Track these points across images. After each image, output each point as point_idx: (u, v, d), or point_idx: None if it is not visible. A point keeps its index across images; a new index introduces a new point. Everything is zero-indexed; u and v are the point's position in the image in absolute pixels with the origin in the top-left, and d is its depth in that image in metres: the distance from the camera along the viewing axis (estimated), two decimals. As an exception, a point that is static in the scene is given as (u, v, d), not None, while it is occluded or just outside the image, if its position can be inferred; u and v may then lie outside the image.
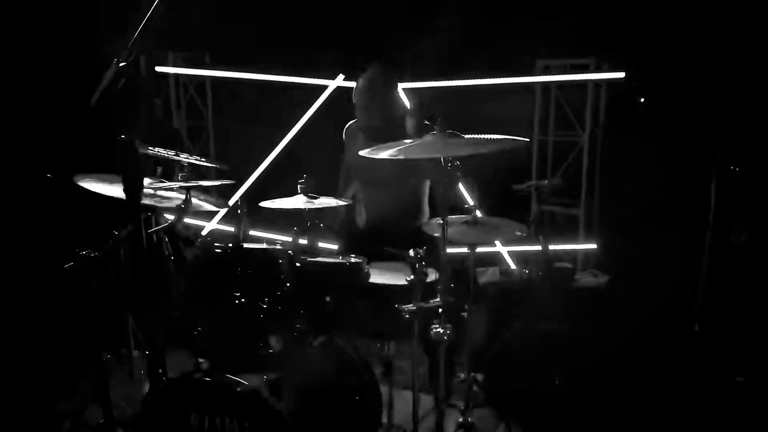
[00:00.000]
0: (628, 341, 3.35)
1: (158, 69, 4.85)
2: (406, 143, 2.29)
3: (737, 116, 3.48)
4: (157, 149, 2.50)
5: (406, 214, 3.02)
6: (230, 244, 2.38)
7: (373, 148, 2.28)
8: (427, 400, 2.73)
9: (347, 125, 3.12)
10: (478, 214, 2.63)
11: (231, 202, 2.88)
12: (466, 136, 2.24)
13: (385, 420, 2.60)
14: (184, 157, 2.52)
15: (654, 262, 3.92)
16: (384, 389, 2.57)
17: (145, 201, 2.42)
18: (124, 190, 1.74)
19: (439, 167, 2.25)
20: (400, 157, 2.22)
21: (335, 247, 3.09)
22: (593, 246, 4.38)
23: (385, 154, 2.23)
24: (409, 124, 2.93)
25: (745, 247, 3.54)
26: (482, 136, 2.24)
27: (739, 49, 3.63)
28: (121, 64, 1.68)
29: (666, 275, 3.76)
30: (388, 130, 2.78)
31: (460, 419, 2.66)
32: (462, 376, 2.78)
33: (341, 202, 2.63)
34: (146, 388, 2.64)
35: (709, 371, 3.11)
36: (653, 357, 3.35)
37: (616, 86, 4.31)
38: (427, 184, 3.07)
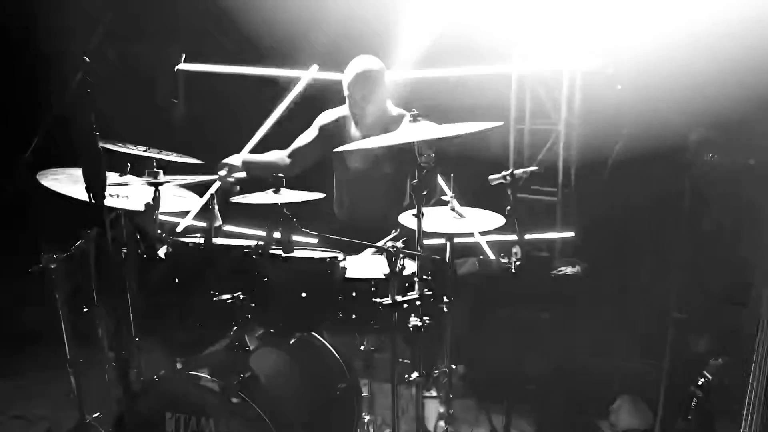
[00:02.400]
0: (607, 329, 3.37)
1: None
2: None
3: (714, 102, 3.50)
4: (126, 145, 2.45)
5: (389, 204, 3.00)
6: (203, 240, 2.33)
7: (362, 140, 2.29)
8: (407, 393, 2.71)
9: (329, 110, 3.09)
10: (456, 204, 2.61)
11: (204, 198, 2.82)
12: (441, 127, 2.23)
13: (365, 413, 2.59)
14: (154, 153, 2.47)
15: (631, 250, 3.95)
16: (364, 382, 2.56)
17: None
18: (87, 189, 1.68)
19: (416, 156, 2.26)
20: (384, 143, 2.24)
21: (312, 240, 3.05)
22: (571, 234, 4.39)
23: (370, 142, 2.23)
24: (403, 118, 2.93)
25: (720, 234, 3.57)
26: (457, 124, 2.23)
27: (718, 38, 3.65)
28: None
29: (644, 262, 3.80)
30: (380, 119, 2.88)
31: (441, 410, 2.65)
32: (443, 367, 2.77)
33: (314, 196, 2.59)
34: (121, 388, 2.59)
35: (688, 354, 3.14)
36: (631, 344, 3.38)
37: (593, 74, 4.32)
38: (408, 175, 3.05)
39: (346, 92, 2.95)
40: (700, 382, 2.44)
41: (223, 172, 2.85)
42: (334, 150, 2.54)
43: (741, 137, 3.46)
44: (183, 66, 4.65)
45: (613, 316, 3.42)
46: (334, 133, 3.00)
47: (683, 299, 3.27)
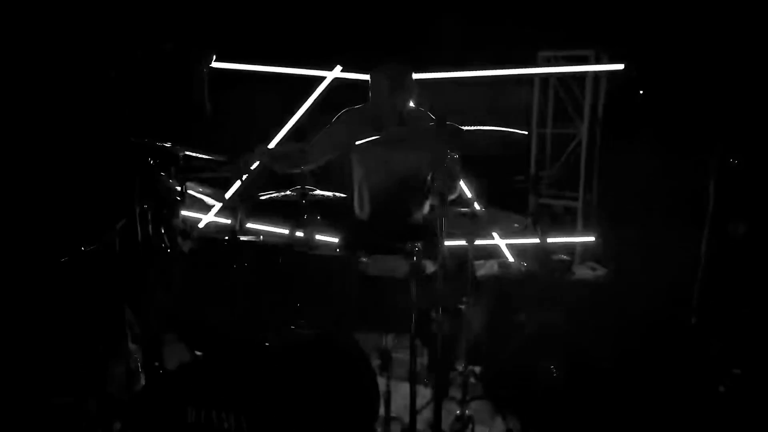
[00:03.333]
0: (626, 334, 3.35)
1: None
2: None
3: (737, 108, 3.47)
4: (153, 140, 2.49)
5: (410, 204, 3.02)
6: (227, 237, 2.37)
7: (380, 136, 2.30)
8: (424, 393, 2.72)
9: (351, 108, 3.11)
10: (477, 206, 2.62)
11: (228, 195, 2.86)
12: (465, 128, 2.23)
13: (382, 412, 2.60)
14: (179, 149, 2.51)
15: (652, 255, 3.92)
16: (382, 381, 2.57)
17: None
18: (116, 183, 1.72)
19: (443, 158, 2.28)
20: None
21: (334, 239, 3.08)
22: (591, 238, 4.37)
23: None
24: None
25: (742, 239, 3.53)
26: (480, 128, 2.24)
27: (739, 40, 3.61)
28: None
29: (664, 268, 3.76)
30: (403, 120, 2.89)
31: (458, 411, 2.65)
32: (460, 368, 2.78)
33: (337, 195, 2.62)
34: (143, 380, 2.64)
35: (706, 363, 3.11)
36: (651, 349, 3.35)
37: (615, 78, 4.30)
38: (429, 175, 3.06)
39: (371, 83, 2.97)
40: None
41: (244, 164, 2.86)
42: (357, 143, 2.55)
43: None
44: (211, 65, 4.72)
45: (632, 319, 3.39)
46: (352, 130, 3.01)
47: (702, 304, 3.25)
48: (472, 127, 2.22)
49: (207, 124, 3.88)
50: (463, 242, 2.66)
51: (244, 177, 2.82)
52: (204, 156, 2.63)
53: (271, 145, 3.67)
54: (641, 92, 4.45)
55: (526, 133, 2.26)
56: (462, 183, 3.04)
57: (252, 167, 2.84)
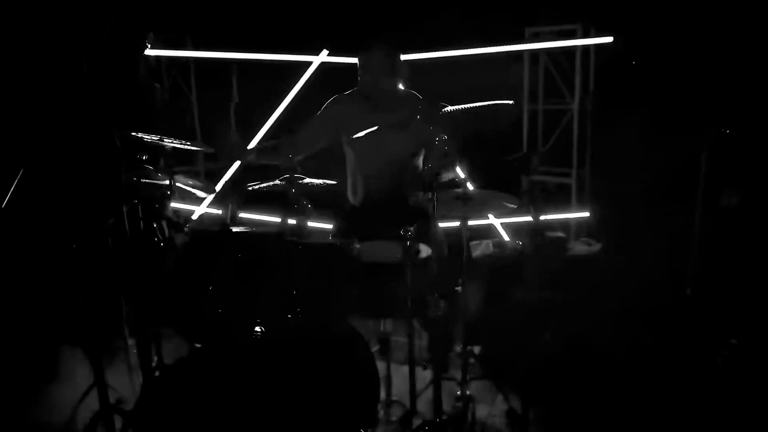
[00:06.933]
0: (622, 308, 3.36)
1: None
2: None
3: (728, 79, 3.45)
4: (140, 134, 2.46)
5: (404, 188, 3.00)
6: (219, 228, 2.35)
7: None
8: (424, 375, 2.74)
9: (339, 95, 3.08)
10: (470, 187, 2.60)
11: (218, 186, 2.84)
12: (453, 108, 2.22)
13: (383, 395, 2.61)
14: (168, 142, 2.48)
15: (646, 228, 3.92)
16: (381, 365, 2.58)
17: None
18: (105, 179, 1.70)
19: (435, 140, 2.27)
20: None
21: (327, 226, 3.07)
22: (586, 214, 4.37)
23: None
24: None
25: (735, 210, 3.54)
26: (468, 105, 2.22)
27: (730, 9, 3.58)
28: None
29: (658, 241, 3.77)
30: (389, 100, 2.86)
31: (458, 392, 2.66)
32: (458, 349, 2.79)
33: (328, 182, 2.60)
34: (141, 375, 2.64)
35: (702, 334, 3.13)
36: (647, 322, 3.37)
37: (605, 52, 4.27)
38: (421, 158, 3.04)
39: (359, 69, 2.94)
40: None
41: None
42: (354, 136, 2.53)
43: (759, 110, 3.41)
44: (189, 53, 4.67)
45: (628, 293, 3.41)
46: (343, 118, 2.99)
47: (697, 275, 3.26)
48: (460, 106, 2.20)
49: (160, 110, 3.82)
50: (457, 223, 2.65)
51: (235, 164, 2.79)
52: (192, 148, 2.60)
53: (258, 137, 3.62)
54: (633, 62, 4.41)
55: (512, 102, 2.24)
56: (457, 163, 3.01)
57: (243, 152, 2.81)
